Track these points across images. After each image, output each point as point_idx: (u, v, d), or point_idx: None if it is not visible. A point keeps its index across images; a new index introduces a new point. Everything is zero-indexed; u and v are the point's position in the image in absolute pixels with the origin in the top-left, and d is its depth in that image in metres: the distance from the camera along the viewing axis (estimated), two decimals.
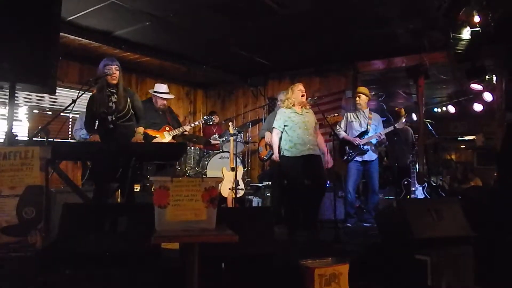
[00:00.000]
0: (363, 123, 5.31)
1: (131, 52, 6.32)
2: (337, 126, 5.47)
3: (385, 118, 7.87)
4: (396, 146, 6.89)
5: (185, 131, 5.31)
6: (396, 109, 7.29)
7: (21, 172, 2.42)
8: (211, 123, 5.74)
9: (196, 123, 5.54)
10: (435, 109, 9.84)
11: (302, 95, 4.31)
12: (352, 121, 5.37)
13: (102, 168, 3.74)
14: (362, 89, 5.49)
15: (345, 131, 5.37)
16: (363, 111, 5.37)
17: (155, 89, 5.22)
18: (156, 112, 5.15)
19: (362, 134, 5.22)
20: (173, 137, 5.14)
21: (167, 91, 5.30)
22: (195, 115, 9.05)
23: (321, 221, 4.87)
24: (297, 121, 4.27)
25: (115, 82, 3.88)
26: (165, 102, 5.21)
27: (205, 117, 5.70)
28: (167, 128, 5.05)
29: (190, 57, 7.04)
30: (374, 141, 5.23)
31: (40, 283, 2.23)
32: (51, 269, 2.32)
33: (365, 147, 5.17)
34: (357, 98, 5.38)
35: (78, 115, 5.69)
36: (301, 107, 4.35)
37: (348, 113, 5.51)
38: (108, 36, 5.84)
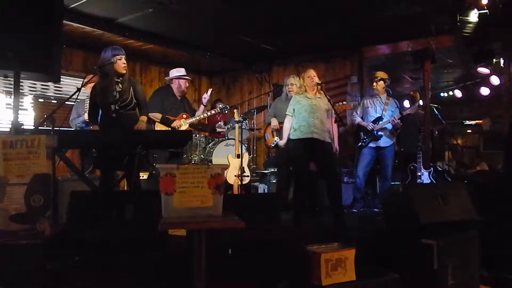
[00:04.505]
0: (379, 109, 5.25)
1: (134, 40, 6.28)
2: (354, 112, 5.44)
3: None
4: (402, 132, 6.86)
5: (202, 118, 5.26)
6: (411, 93, 7.20)
7: (28, 161, 2.44)
8: (226, 111, 5.71)
9: (213, 111, 5.47)
10: (442, 94, 9.75)
11: (312, 80, 4.28)
12: (368, 107, 5.32)
13: (108, 156, 3.76)
14: (380, 73, 5.37)
15: (362, 118, 5.33)
16: (380, 97, 5.30)
17: (177, 74, 5.13)
18: (175, 98, 5.11)
19: (376, 120, 5.18)
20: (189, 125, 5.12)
21: (185, 73, 5.25)
22: (199, 102, 9.01)
23: (327, 206, 4.88)
24: (304, 104, 4.25)
25: (124, 71, 3.88)
26: (187, 84, 5.17)
27: (220, 105, 5.64)
28: (184, 116, 5.03)
29: (194, 44, 6.99)
30: (389, 126, 5.17)
31: (49, 270, 2.26)
32: (60, 256, 2.35)
33: (379, 133, 5.12)
34: (374, 83, 5.31)
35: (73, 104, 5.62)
36: (314, 92, 4.31)
37: (365, 99, 5.47)
38: (111, 23, 5.80)
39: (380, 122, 5.15)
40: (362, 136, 5.23)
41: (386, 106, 5.23)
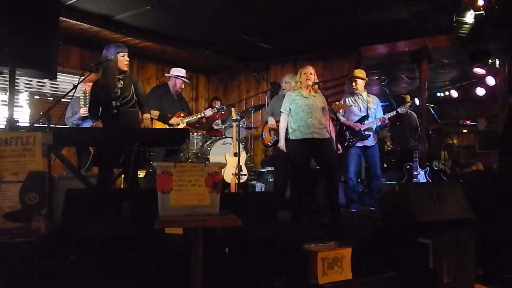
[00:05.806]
0: (363, 108, 5.21)
1: (132, 37, 6.26)
2: None
3: (387, 103, 7.83)
4: (398, 131, 6.89)
5: (200, 118, 5.34)
6: (402, 95, 7.24)
7: (23, 158, 2.42)
8: (223, 112, 5.75)
9: (210, 111, 5.53)
10: (438, 94, 9.78)
11: (307, 79, 4.23)
12: (351, 105, 5.26)
13: (105, 154, 3.76)
14: (358, 72, 5.35)
15: (343, 115, 5.26)
16: (361, 95, 5.26)
17: (175, 73, 5.16)
18: (172, 96, 5.14)
19: (362, 119, 5.14)
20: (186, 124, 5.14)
21: (185, 75, 5.29)
22: (197, 101, 9.01)
23: (324, 206, 4.88)
24: (301, 103, 4.20)
25: (126, 69, 3.94)
26: (183, 86, 5.20)
27: (218, 106, 5.69)
28: (182, 115, 5.05)
29: (192, 41, 6.97)
30: (374, 126, 5.16)
31: (45, 268, 2.24)
32: (55, 255, 2.34)
33: (366, 132, 5.09)
34: (354, 83, 5.28)
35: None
36: (309, 90, 4.26)
37: (346, 98, 5.44)
38: (109, 21, 5.78)
39: (367, 121, 5.13)
40: (348, 135, 5.16)
41: (369, 104, 5.19)
